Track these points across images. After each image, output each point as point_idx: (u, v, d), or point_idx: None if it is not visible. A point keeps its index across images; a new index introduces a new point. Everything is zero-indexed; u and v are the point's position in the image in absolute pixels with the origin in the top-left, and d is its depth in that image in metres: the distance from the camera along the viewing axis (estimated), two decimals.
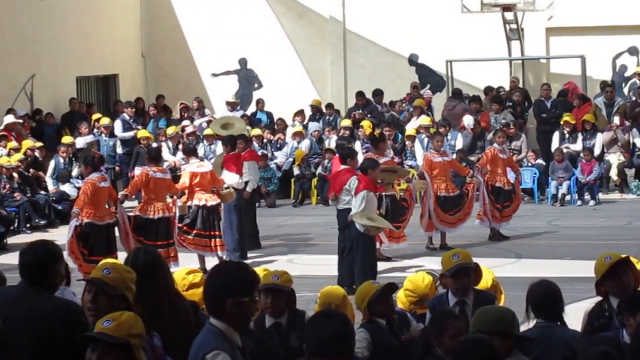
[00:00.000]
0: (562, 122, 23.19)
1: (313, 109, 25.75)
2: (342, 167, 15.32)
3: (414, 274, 8.69)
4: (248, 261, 16.08)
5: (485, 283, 8.29)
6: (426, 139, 22.94)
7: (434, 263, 16.06)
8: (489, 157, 18.30)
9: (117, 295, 5.70)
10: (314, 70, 28.62)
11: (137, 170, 21.79)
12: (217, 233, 16.18)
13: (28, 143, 21.70)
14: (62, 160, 21.68)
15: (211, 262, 16.06)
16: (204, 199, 16.21)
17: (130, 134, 23.86)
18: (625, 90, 26.04)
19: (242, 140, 17.83)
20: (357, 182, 14.32)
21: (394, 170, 16.19)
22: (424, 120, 23.66)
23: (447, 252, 8.06)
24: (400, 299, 8.08)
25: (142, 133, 23.20)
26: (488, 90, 25.38)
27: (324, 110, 25.84)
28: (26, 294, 5.91)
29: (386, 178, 15.48)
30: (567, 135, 23.00)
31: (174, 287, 6.53)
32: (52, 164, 21.66)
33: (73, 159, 21.84)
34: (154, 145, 21.53)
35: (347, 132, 23.57)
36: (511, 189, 18.27)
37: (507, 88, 25.82)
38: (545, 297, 7.00)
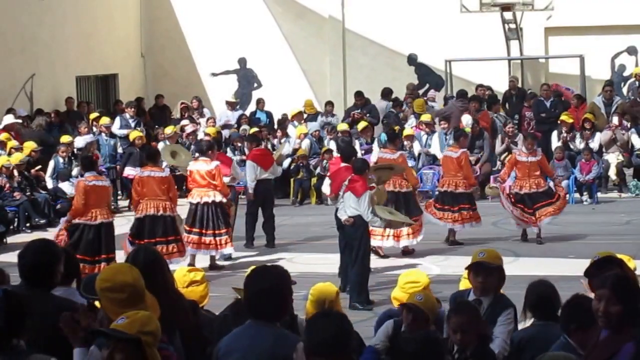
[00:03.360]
0: (559, 121, 23.20)
1: (306, 109, 25.62)
2: (343, 164, 15.28)
3: (406, 272, 8.67)
4: (247, 260, 16.13)
5: None
6: (425, 136, 22.98)
7: (433, 262, 16.15)
8: (508, 166, 18.28)
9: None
10: (312, 71, 28.62)
11: (128, 170, 22.02)
12: (210, 232, 16.05)
13: (31, 145, 21.60)
14: (61, 160, 21.68)
15: (204, 260, 16.07)
16: (197, 195, 16.18)
17: (124, 131, 23.85)
18: (624, 90, 26.06)
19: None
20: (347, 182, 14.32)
21: (391, 167, 16.18)
22: (424, 116, 23.62)
23: (479, 248, 7.93)
24: (398, 297, 8.02)
25: (134, 133, 23.16)
26: (477, 87, 25.34)
27: (318, 109, 25.78)
28: (27, 295, 5.90)
29: (383, 176, 15.45)
30: (567, 136, 22.98)
31: (173, 286, 6.55)
32: (51, 163, 21.64)
33: (72, 158, 21.83)
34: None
35: (346, 135, 23.52)
36: (546, 189, 17.69)
37: (506, 87, 25.81)
38: (542, 297, 7.05)
